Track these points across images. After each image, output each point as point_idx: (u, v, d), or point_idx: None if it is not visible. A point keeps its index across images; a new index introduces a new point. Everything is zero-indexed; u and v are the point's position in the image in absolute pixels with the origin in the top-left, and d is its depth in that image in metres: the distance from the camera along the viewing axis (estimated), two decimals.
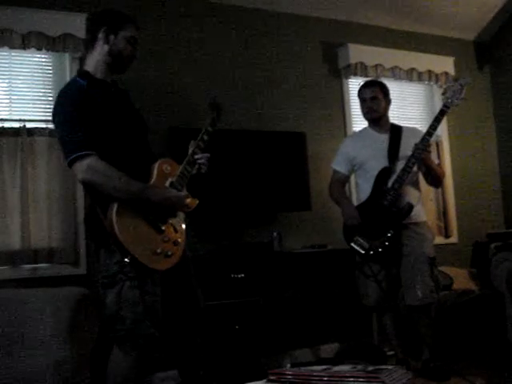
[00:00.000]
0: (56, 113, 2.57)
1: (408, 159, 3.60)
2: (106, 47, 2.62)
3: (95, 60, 2.64)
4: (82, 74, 2.64)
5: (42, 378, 2.59)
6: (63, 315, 3.12)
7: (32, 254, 3.95)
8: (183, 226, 2.68)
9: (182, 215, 2.68)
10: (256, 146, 4.63)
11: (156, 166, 2.65)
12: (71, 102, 2.51)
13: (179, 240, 2.62)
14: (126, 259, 2.41)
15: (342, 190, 4.02)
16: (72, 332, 3.10)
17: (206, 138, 2.79)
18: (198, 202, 2.70)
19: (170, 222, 2.60)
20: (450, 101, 3.62)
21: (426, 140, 3.57)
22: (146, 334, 2.50)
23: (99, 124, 2.51)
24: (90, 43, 2.66)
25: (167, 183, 2.65)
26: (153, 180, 2.62)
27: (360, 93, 3.91)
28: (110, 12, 2.71)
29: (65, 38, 4.10)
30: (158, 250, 2.49)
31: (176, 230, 2.61)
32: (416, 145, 3.56)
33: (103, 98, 2.60)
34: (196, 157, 2.75)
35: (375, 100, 3.83)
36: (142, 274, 2.47)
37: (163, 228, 2.55)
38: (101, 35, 2.61)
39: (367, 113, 3.87)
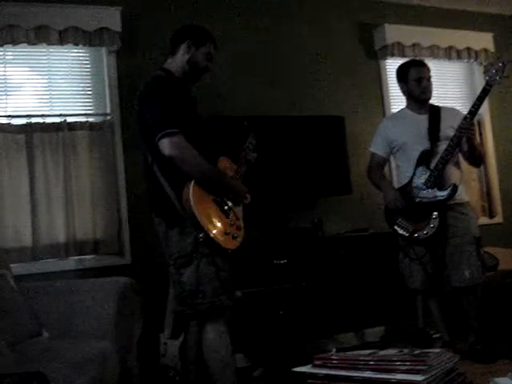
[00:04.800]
0: (145, 98, 2.75)
1: (451, 139, 3.54)
2: (186, 57, 2.90)
3: (175, 65, 2.92)
4: (163, 70, 2.90)
5: (90, 366, 2.64)
6: (110, 305, 3.19)
7: (77, 246, 4.04)
8: (242, 215, 2.92)
9: (240, 206, 2.93)
10: (294, 132, 4.62)
11: (218, 161, 2.95)
12: (159, 88, 2.74)
13: (241, 226, 2.86)
14: (200, 235, 2.61)
15: (382, 173, 3.97)
16: (118, 321, 3.17)
17: (250, 145, 3.18)
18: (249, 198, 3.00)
19: (233, 209, 2.83)
20: (492, 79, 3.53)
21: (469, 119, 3.50)
22: (224, 306, 2.71)
23: (180, 112, 2.72)
24: (172, 50, 2.95)
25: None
26: None
27: (414, 72, 3.76)
28: (196, 28, 2.97)
29: (101, 32, 4.16)
30: (228, 231, 2.71)
31: (237, 218, 2.85)
32: (460, 123, 3.50)
33: (181, 92, 2.84)
34: (248, 155, 3.12)
35: (429, 80, 3.77)
36: (214, 252, 2.68)
37: (229, 212, 2.78)
38: (184, 45, 2.90)
39: (423, 93, 3.77)
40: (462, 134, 3.49)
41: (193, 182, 2.63)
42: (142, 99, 2.76)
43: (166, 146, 2.61)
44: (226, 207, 2.77)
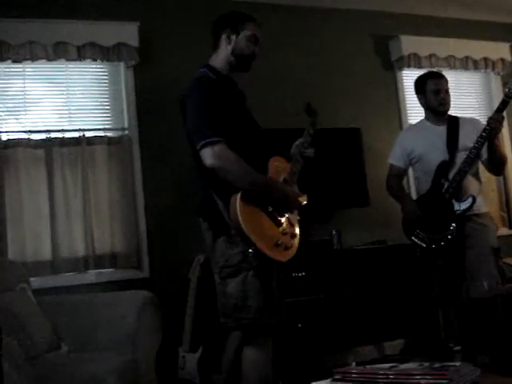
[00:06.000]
0: (189, 101, 2.61)
1: (471, 150, 3.51)
2: (230, 48, 2.72)
3: (220, 59, 2.74)
4: (210, 69, 2.72)
5: (109, 379, 2.65)
6: (129, 318, 3.21)
7: (96, 260, 4.06)
8: (297, 220, 2.77)
9: (295, 211, 2.77)
10: (312, 144, 4.60)
11: (270, 162, 2.75)
12: (204, 92, 2.58)
13: (296, 233, 2.71)
14: (250, 250, 2.47)
15: (400, 185, 3.96)
16: (137, 334, 3.18)
17: (309, 139, 2.98)
18: (306, 198, 2.81)
19: (287, 216, 2.67)
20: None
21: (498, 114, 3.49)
22: (267, 323, 2.55)
23: (225, 116, 2.57)
24: (214, 44, 2.77)
25: (281, 179, 2.75)
26: (268, 175, 2.71)
27: (432, 84, 3.76)
28: (231, 14, 2.80)
29: (119, 47, 4.20)
30: (279, 242, 2.55)
31: (292, 224, 2.69)
32: (492, 114, 3.49)
33: (230, 93, 2.71)
34: (306, 152, 2.92)
35: (447, 92, 3.76)
36: (264, 264, 2.53)
37: (281, 221, 2.62)
38: (224, 36, 2.72)
39: (441, 105, 3.75)
40: (492, 125, 3.45)
41: (240, 194, 2.46)
42: (185, 102, 2.63)
43: (207, 155, 2.48)
44: (277, 216, 2.61)
